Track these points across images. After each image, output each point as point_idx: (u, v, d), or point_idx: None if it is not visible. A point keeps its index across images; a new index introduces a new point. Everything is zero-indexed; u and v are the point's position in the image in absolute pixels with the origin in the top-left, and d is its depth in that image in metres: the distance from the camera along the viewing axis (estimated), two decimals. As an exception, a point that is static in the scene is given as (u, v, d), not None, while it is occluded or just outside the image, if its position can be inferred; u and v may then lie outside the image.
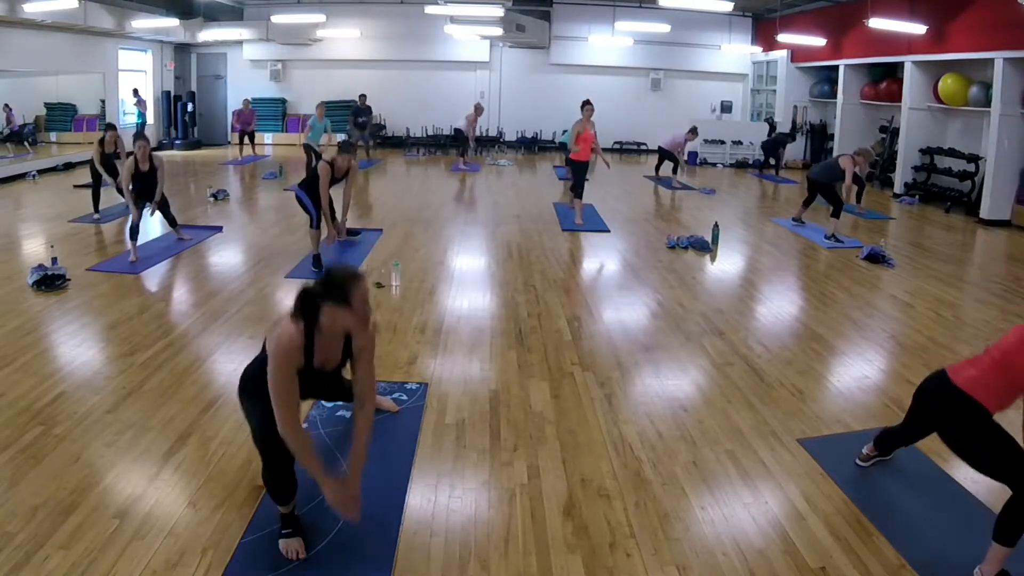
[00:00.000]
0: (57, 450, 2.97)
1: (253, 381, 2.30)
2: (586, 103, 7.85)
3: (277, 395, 2.15)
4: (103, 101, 12.62)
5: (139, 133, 6.68)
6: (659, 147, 11.69)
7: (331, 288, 2.15)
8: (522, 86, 15.81)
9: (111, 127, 7.88)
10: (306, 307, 2.17)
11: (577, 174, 8.00)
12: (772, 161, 13.02)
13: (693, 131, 11.63)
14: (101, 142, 7.61)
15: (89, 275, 5.57)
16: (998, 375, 2.31)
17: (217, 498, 2.68)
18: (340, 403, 3.37)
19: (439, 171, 12.51)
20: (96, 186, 7.69)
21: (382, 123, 15.26)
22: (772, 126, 13.87)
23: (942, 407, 2.42)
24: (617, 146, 15.68)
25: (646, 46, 15.12)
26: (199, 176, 11.23)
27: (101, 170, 7.54)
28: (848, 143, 11.92)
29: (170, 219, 6.69)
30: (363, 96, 13.04)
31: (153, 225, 7.12)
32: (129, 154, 6.37)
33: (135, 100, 13.24)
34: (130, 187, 6.15)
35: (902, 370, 4.17)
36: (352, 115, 12.79)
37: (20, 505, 2.57)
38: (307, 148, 10.51)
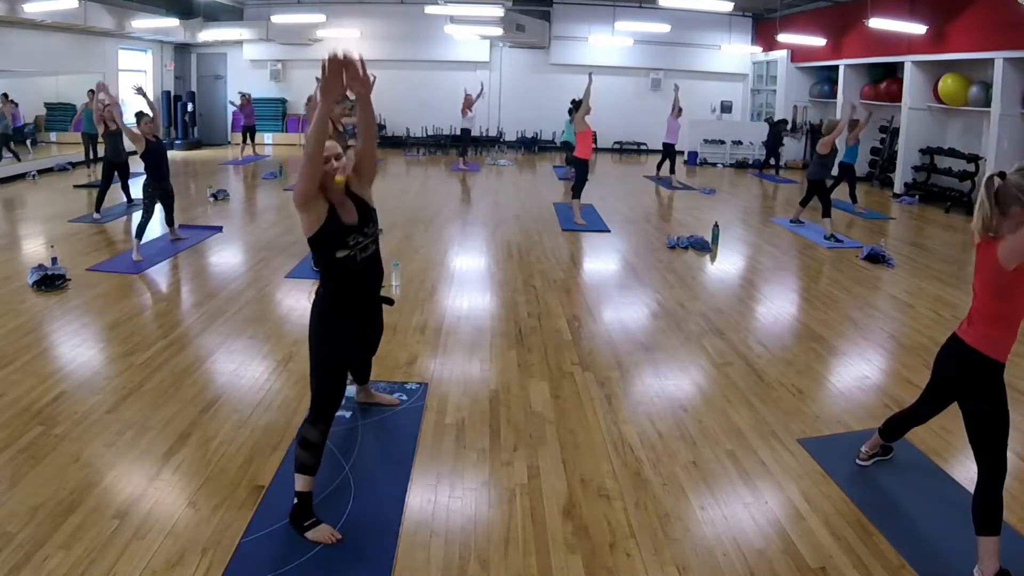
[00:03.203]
0: (57, 450, 2.97)
1: (318, 319, 2.63)
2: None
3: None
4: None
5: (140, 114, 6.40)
6: (663, 144, 11.49)
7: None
8: (522, 86, 15.82)
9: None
10: None
11: (581, 172, 8.01)
12: (772, 161, 13.01)
13: (675, 111, 11.54)
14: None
15: (89, 275, 5.57)
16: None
17: (217, 498, 2.68)
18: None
19: (439, 171, 12.52)
20: (105, 186, 7.65)
21: (382, 123, 15.25)
22: (772, 124, 13.86)
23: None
24: (617, 146, 15.69)
25: (646, 46, 15.13)
26: (199, 176, 11.23)
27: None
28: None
29: (170, 219, 6.69)
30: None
31: (154, 225, 7.10)
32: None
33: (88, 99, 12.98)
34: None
35: (902, 370, 4.16)
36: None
37: (20, 505, 2.57)
38: None
